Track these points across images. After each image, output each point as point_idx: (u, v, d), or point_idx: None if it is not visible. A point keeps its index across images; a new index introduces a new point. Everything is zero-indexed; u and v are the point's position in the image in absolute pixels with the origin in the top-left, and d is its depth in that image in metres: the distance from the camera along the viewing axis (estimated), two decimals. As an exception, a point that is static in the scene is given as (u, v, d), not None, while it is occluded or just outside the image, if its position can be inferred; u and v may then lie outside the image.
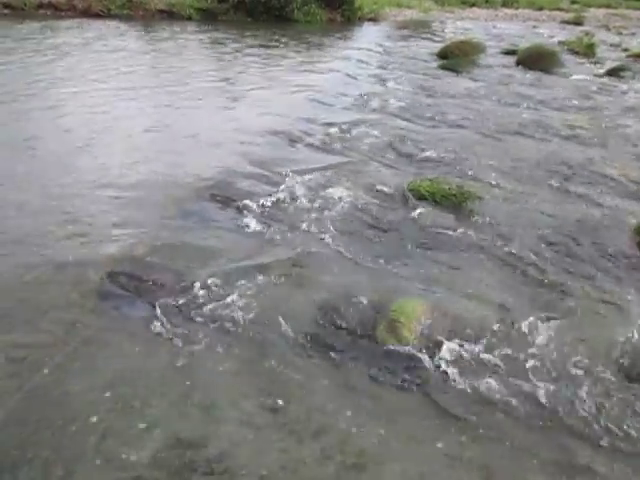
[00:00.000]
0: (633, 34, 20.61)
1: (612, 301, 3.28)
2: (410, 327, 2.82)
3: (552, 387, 2.56)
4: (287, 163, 5.06)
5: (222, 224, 3.91)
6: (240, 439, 2.20)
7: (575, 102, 8.66)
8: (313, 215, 4.09)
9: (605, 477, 2.16)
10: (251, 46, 11.83)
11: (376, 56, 12.17)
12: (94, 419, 2.23)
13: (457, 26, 19.82)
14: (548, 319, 3.03)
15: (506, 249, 3.80)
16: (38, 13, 13.63)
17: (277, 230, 3.83)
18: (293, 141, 5.81)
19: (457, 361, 2.67)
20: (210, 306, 2.94)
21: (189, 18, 15.23)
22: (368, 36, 16.15)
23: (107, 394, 2.36)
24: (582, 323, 3.05)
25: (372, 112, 7.27)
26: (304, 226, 3.92)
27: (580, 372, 2.67)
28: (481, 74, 10.60)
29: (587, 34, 17.15)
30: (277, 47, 12.08)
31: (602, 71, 11.60)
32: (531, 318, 3.02)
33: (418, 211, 4.25)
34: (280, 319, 2.89)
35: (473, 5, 26.44)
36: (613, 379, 2.64)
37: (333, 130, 6.23)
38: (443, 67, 10.97)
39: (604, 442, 2.30)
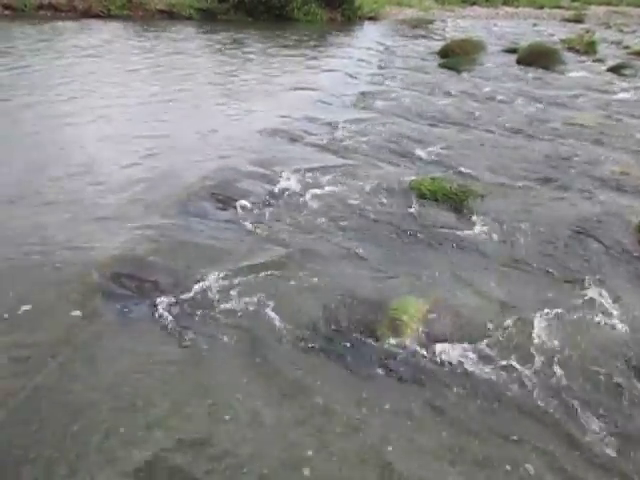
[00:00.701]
0: (634, 31, 20.59)
1: (615, 298, 3.27)
2: (411, 325, 2.82)
3: (555, 384, 2.56)
4: (287, 162, 5.07)
5: (223, 223, 3.91)
6: (242, 438, 2.20)
7: (576, 100, 8.65)
8: (314, 214, 4.09)
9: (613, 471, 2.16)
10: (251, 46, 11.84)
11: (376, 55, 12.17)
12: (97, 418, 2.24)
13: (457, 25, 19.82)
14: (550, 316, 3.03)
15: (507, 247, 3.80)
16: (38, 14, 13.65)
17: (278, 229, 3.83)
18: (293, 140, 5.81)
19: (458, 359, 2.67)
20: (212, 305, 2.95)
21: (189, 18, 15.25)
22: (368, 35, 16.17)
23: (110, 393, 2.37)
24: (585, 320, 3.05)
25: (372, 111, 7.27)
26: (305, 225, 3.92)
27: (584, 370, 2.66)
28: (482, 73, 10.60)
29: (588, 32, 17.13)
30: (277, 47, 12.08)
31: (603, 69, 11.59)
32: (533, 315, 3.02)
33: (419, 209, 4.25)
34: (281, 318, 2.89)
35: (474, 3, 26.45)
36: (620, 376, 2.64)
37: (334, 129, 6.24)
38: (443, 66, 10.97)
39: (609, 440, 2.30)
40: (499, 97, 8.52)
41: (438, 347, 2.73)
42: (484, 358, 2.69)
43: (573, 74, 10.89)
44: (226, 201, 4.21)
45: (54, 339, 2.66)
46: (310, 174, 4.78)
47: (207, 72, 9.08)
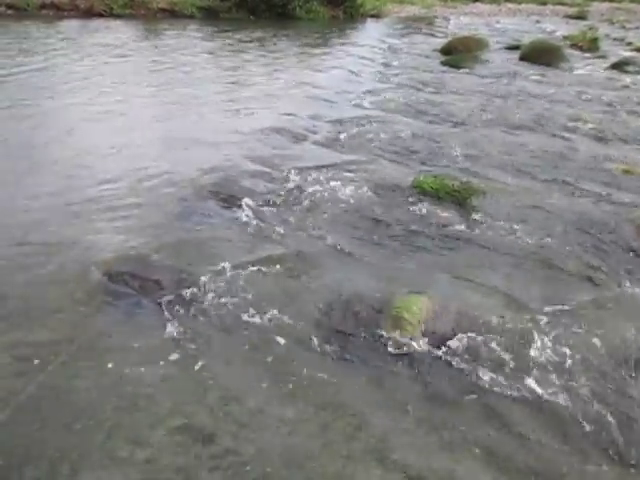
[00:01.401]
0: (637, 28, 20.48)
1: (619, 295, 3.25)
2: (415, 322, 2.81)
3: (560, 382, 2.54)
4: (290, 160, 5.06)
5: (225, 222, 3.90)
6: (246, 436, 2.20)
7: (580, 97, 8.61)
8: (316, 211, 4.08)
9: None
10: (253, 44, 11.82)
11: (379, 53, 12.14)
12: (99, 417, 2.24)
13: (460, 22, 19.76)
14: (554, 313, 3.01)
15: (510, 244, 3.79)
16: (41, 13, 13.66)
17: (280, 227, 3.83)
18: (296, 138, 5.80)
19: (462, 356, 2.66)
20: (214, 304, 2.94)
21: (191, 17, 15.23)
22: (371, 33, 16.13)
23: (113, 392, 2.36)
24: (589, 317, 3.03)
25: (375, 108, 7.25)
26: (307, 223, 3.91)
27: (589, 367, 2.65)
28: (485, 70, 10.56)
29: (591, 28, 17.07)
30: (280, 45, 12.07)
31: (606, 65, 11.53)
32: (537, 312, 3.01)
33: (422, 207, 4.24)
34: (284, 316, 2.88)
35: (476, 1, 26.34)
36: (626, 374, 2.62)
37: (336, 127, 6.22)
38: (446, 63, 10.94)
39: (615, 438, 2.29)
40: (502, 94, 8.49)
41: (442, 345, 2.72)
42: (488, 356, 2.68)
43: (576, 71, 10.84)
44: (229, 199, 4.20)
45: (57, 338, 2.66)
46: (313, 172, 4.76)
47: (209, 70, 9.08)
